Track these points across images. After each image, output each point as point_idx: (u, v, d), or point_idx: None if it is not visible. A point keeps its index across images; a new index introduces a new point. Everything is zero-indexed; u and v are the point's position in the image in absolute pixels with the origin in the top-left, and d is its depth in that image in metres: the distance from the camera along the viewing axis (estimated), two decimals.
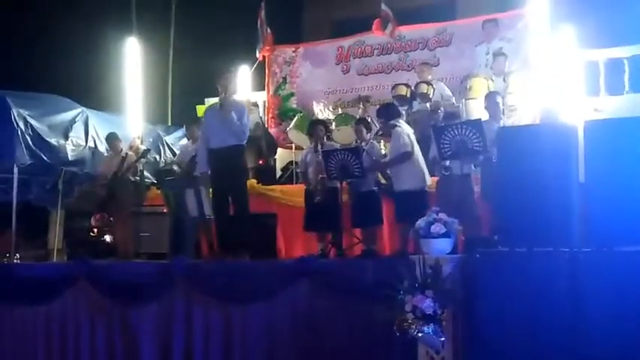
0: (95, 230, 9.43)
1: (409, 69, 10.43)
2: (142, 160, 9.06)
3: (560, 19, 9.53)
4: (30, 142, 8.92)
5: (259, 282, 6.21)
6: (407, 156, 7.25)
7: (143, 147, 9.60)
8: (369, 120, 8.72)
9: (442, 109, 8.80)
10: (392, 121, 7.52)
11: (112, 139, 9.14)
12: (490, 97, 7.62)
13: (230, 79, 7.46)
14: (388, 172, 7.66)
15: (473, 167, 7.10)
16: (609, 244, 4.82)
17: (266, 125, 10.85)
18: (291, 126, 10.08)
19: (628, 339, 4.56)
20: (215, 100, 8.07)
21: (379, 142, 8.50)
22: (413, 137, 7.39)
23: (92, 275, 6.90)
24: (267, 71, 11.52)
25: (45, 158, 9.14)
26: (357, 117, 9.19)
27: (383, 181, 7.79)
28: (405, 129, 7.41)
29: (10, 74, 12.63)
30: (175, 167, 8.92)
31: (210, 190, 7.50)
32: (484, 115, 7.46)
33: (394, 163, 7.39)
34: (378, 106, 9.93)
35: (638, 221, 4.78)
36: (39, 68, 15.11)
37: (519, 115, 8.51)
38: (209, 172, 7.36)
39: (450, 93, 9.37)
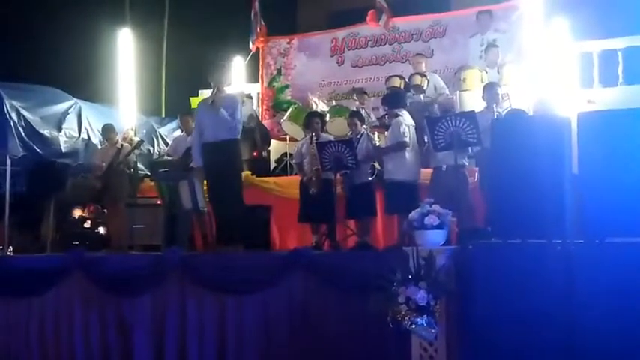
0: (89, 222, 9.42)
1: (403, 60, 10.42)
2: (136, 151, 9.05)
3: (554, 11, 9.53)
4: (23, 134, 8.92)
5: (253, 273, 6.22)
6: (402, 146, 7.26)
7: (136, 138, 9.58)
8: (364, 112, 8.72)
9: (437, 105, 8.80)
10: (396, 110, 7.54)
11: (107, 130, 9.12)
12: (489, 88, 7.61)
13: (222, 72, 7.37)
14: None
15: (467, 159, 7.12)
16: (602, 236, 4.84)
17: (260, 117, 10.83)
18: (285, 118, 10.06)
19: (621, 330, 4.58)
20: (209, 92, 8.02)
21: (373, 134, 8.50)
22: (412, 130, 7.40)
23: (86, 267, 6.89)
24: (261, 63, 11.50)
25: (38, 150, 9.12)
26: (352, 109, 9.18)
27: (379, 167, 7.78)
28: (406, 120, 7.42)
29: (2, 66, 12.57)
30: (167, 157, 8.89)
31: (205, 182, 7.48)
32: (479, 107, 7.46)
33: (389, 151, 7.40)
34: (374, 98, 10.08)
35: (630, 213, 4.80)
36: (32, 60, 15.03)
37: (513, 107, 8.50)
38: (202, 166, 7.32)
39: (444, 84, 9.37)
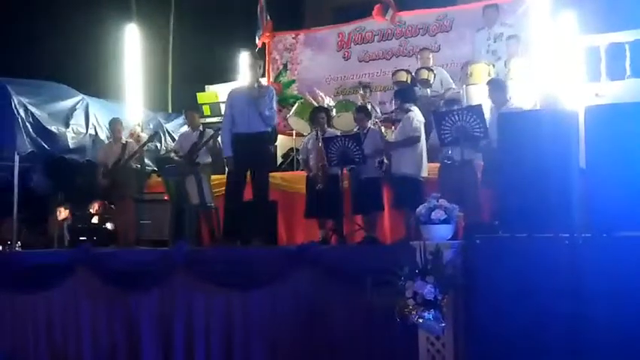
0: (96, 218, 9.44)
1: (410, 55, 10.39)
2: (149, 144, 9.08)
3: (561, 4, 9.48)
4: (30, 130, 8.93)
5: (260, 269, 6.24)
6: (414, 140, 7.28)
7: (144, 134, 9.59)
8: (370, 107, 8.71)
9: (444, 100, 8.77)
10: (407, 105, 7.55)
11: (114, 123, 9.11)
12: (495, 83, 7.58)
13: (260, 65, 7.63)
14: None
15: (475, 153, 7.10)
16: (609, 230, 4.83)
17: None
18: (291, 113, 10.05)
19: (628, 324, 4.57)
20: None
21: (380, 129, 8.48)
22: (422, 126, 7.40)
23: (93, 262, 6.93)
24: (267, 58, 11.47)
25: (46, 146, 9.15)
26: (357, 104, 9.16)
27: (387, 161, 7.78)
28: (417, 115, 7.44)
29: (9, 62, 12.62)
30: (173, 155, 8.89)
31: (226, 174, 7.51)
32: (485, 101, 7.44)
33: (401, 145, 7.40)
34: (380, 92, 10.07)
35: (638, 207, 4.78)
36: (39, 56, 15.09)
37: (520, 101, 8.48)
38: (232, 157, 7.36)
39: (450, 79, 9.35)
